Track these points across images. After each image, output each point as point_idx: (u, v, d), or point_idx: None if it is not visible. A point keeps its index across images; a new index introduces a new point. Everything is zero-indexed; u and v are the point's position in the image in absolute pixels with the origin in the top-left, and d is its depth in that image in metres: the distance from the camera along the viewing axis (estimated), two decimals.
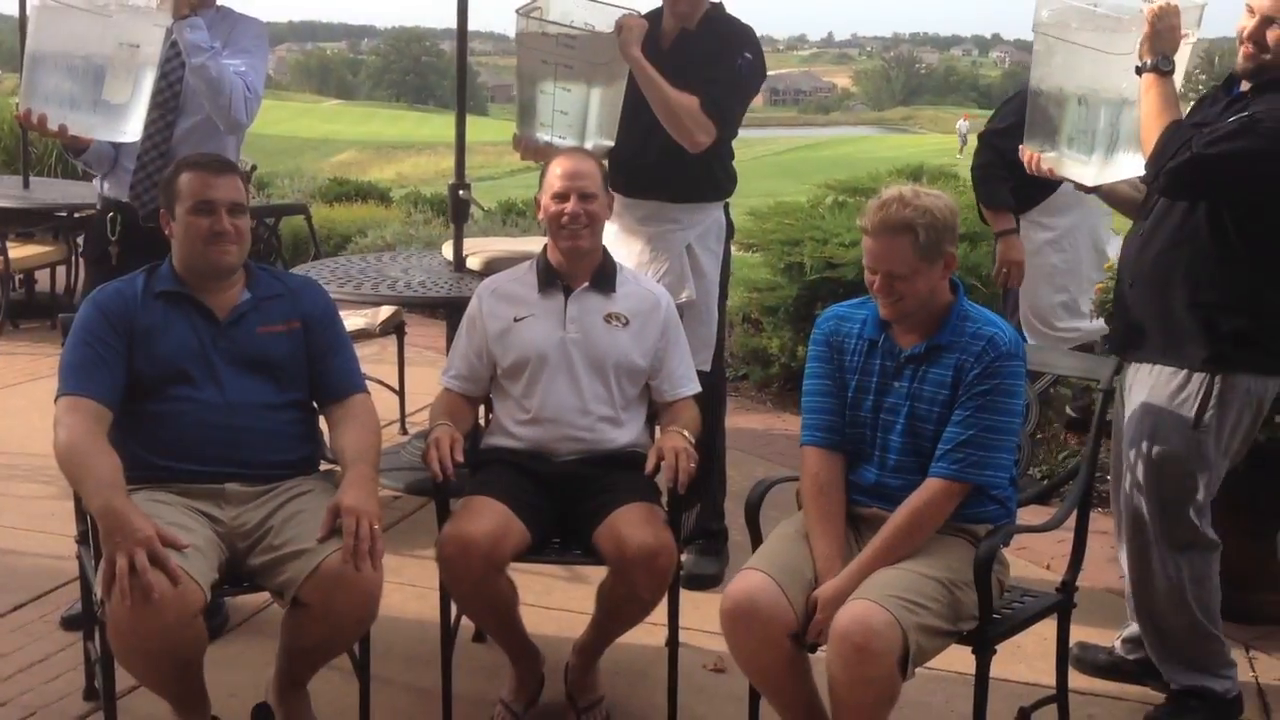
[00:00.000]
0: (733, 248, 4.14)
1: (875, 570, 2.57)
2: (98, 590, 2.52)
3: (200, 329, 2.83)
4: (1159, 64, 2.90)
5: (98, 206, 3.61)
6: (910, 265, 2.60)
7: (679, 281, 3.72)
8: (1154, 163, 2.86)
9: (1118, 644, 3.33)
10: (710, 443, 3.79)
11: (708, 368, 3.71)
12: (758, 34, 3.87)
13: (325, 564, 2.56)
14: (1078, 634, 3.07)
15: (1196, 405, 2.91)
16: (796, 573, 2.63)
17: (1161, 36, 2.91)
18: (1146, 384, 3.00)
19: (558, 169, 3.14)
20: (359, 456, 2.78)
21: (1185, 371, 2.93)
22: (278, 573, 2.63)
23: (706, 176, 3.76)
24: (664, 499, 3.02)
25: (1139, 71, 2.93)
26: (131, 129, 3.19)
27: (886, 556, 2.59)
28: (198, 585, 2.49)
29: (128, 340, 2.77)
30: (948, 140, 52.07)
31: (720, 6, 3.77)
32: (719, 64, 3.63)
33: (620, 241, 3.81)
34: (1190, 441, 2.93)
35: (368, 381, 3.08)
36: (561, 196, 3.10)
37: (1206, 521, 3.02)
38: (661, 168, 3.67)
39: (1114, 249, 4.48)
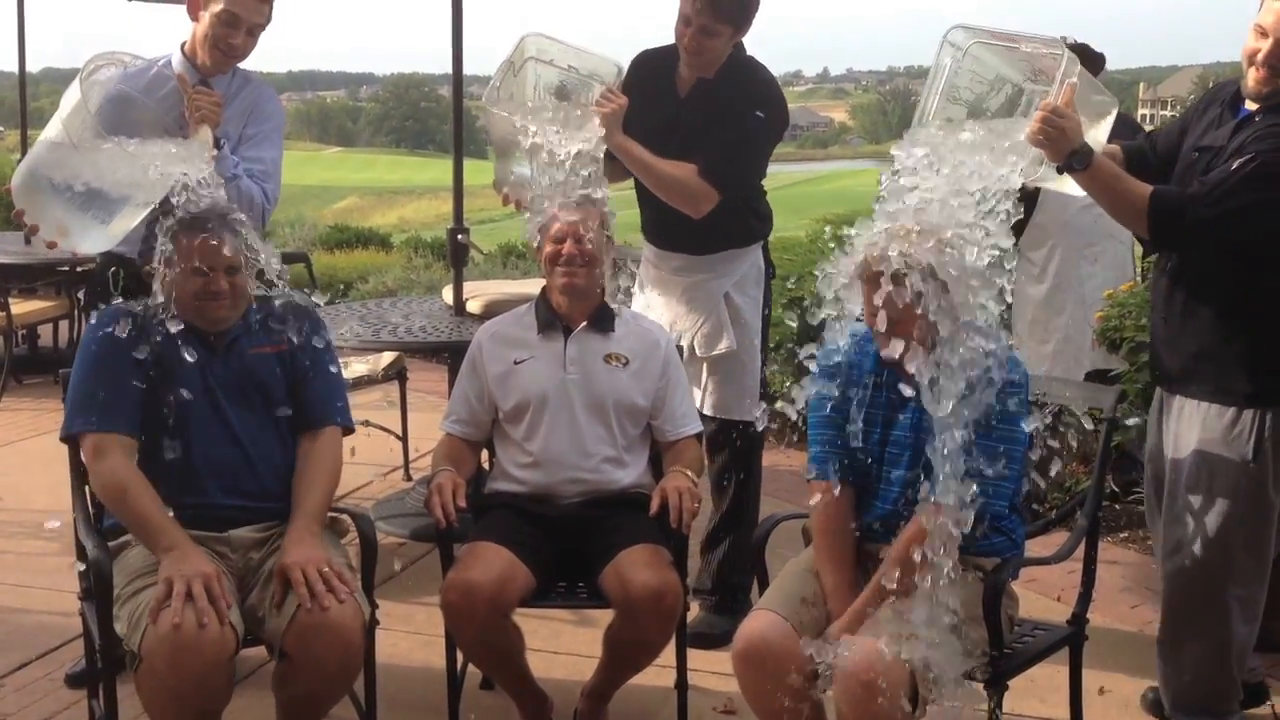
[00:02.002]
0: None
1: (881, 605, 2.55)
2: (135, 643, 2.51)
3: (197, 354, 2.79)
4: (1073, 164, 2.67)
5: (98, 260, 3.61)
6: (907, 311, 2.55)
7: (717, 333, 3.62)
8: (1157, 239, 2.77)
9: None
10: (742, 493, 3.72)
11: (751, 417, 3.58)
12: None
13: (300, 613, 2.56)
14: (1092, 668, 3.03)
15: (1252, 442, 2.84)
16: (807, 611, 2.61)
17: (1058, 142, 2.64)
18: (1196, 421, 2.91)
19: (556, 218, 3.13)
20: (299, 507, 2.76)
21: (1234, 409, 2.85)
22: (263, 625, 2.65)
23: (736, 224, 3.63)
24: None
25: (1061, 171, 2.71)
26: (109, 244, 3.16)
27: (886, 590, 2.55)
28: (234, 631, 2.52)
29: (139, 367, 2.75)
30: None
31: (742, 49, 3.60)
32: (730, 121, 3.48)
33: (656, 292, 3.75)
34: (1248, 479, 2.86)
35: (370, 427, 3.06)
36: (558, 239, 3.11)
37: (1267, 560, 2.95)
38: (688, 221, 3.51)
39: (1094, 284, 4.45)
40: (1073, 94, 2.66)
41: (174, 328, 2.78)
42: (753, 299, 3.69)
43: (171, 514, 2.65)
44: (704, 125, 3.48)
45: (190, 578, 2.49)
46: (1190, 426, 2.93)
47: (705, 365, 3.68)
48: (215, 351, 2.83)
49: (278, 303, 2.95)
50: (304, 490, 2.79)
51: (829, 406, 2.76)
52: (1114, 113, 2.87)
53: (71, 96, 2.99)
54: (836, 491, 2.72)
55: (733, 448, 3.68)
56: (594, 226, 3.13)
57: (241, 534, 2.76)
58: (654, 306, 3.71)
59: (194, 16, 3.35)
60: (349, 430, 2.96)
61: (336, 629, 2.56)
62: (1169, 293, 2.95)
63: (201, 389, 2.80)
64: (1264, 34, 2.73)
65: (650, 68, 3.64)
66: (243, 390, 2.83)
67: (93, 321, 2.84)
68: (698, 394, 3.63)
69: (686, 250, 3.66)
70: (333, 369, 2.96)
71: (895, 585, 2.54)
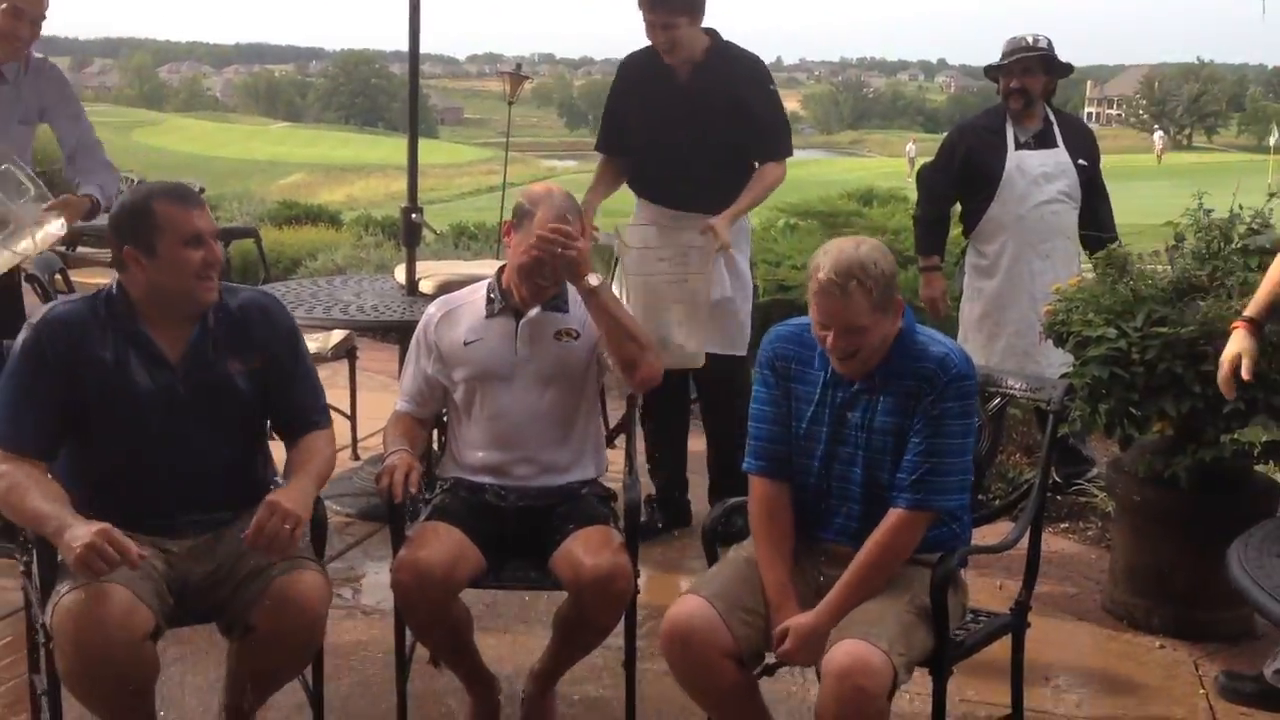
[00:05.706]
0: None
1: (850, 606, 2.57)
2: (47, 617, 2.47)
3: (152, 368, 2.67)
4: None
5: None
6: (867, 318, 2.57)
7: (715, 284, 4.11)
8: None
9: (1268, 672, 3.17)
10: (728, 428, 4.12)
11: (744, 352, 4.27)
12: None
13: (271, 586, 2.54)
14: (1035, 655, 3.07)
15: None
16: (737, 598, 2.64)
17: None
18: None
19: (543, 214, 2.96)
20: (301, 470, 2.72)
21: None
22: (229, 605, 2.61)
23: (738, 189, 4.15)
24: (620, 521, 3.00)
25: None
26: None
27: (860, 591, 2.58)
28: (147, 608, 2.45)
29: (70, 378, 2.61)
30: (896, 163, 52.69)
31: (717, 34, 4.06)
32: (759, 95, 4.03)
33: (664, 246, 4.10)
34: None
35: None
36: (539, 247, 2.96)
37: None
38: (703, 187, 4.09)
39: (1045, 280, 4.48)
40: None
41: (125, 334, 2.65)
42: (744, 253, 4.31)
43: (66, 503, 2.50)
44: (726, 89, 4.00)
45: (85, 544, 2.33)
46: None
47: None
48: (174, 361, 2.69)
49: (242, 303, 2.79)
50: (301, 465, 2.74)
51: (769, 397, 2.76)
52: None
53: None
54: (775, 484, 2.73)
55: (728, 380, 4.22)
56: (577, 230, 3.00)
57: (186, 543, 2.68)
58: (659, 260, 4.06)
59: None
60: None
61: (305, 602, 2.56)
62: None
63: (156, 402, 2.66)
64: None
65: (641, 66, 4.14)
66: (202, 403, 2.70)
67: (31, 323, 2.67)
68: (697, 333, 4.09)
69: (700, 210, 4.08)
70: (309, 372, 2.88)
71: (865, 586, 2.57)
